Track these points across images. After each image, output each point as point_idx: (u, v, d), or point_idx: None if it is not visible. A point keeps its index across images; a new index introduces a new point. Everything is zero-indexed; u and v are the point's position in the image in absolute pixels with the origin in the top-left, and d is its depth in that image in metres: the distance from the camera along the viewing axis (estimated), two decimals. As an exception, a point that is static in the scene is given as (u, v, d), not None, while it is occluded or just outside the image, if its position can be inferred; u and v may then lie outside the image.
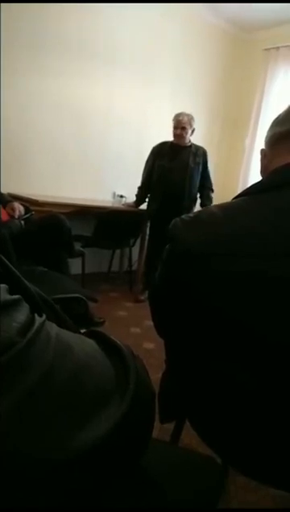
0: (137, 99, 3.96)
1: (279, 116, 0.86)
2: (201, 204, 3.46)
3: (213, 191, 3.45)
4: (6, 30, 2.96)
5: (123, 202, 3.72)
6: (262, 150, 0.90)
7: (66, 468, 0.33)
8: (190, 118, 3.18)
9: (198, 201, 3.49)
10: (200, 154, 3.30)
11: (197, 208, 3.48)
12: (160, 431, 1.34)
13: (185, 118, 3.16)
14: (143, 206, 3.57)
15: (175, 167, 3.23)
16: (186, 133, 3.19)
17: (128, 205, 3.59)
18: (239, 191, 0.83)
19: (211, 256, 0.73)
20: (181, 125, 3.16)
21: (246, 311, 0.70)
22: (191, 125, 3.20)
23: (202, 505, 0.64)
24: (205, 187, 3.41)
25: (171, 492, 0.60)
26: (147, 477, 0.57)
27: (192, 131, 3.25)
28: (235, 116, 4.90)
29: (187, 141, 3.26)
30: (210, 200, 3.42)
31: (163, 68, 4.08)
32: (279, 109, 0.88)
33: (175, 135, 3.23)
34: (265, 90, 4.50)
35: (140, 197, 3.51)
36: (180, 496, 0.61)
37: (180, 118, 3.17)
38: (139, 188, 3.50)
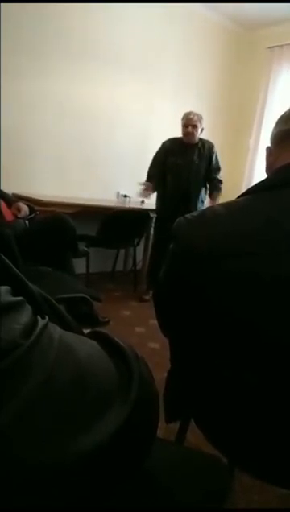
0: (140, 99, 3.96)
1: (285, 113, 0.86)
2: (209, 192, 3.40)
3: (221, 182, 3.39)
4: (9, 31, 2.97)
5: (128, 201, 3.70)
6: (267, 148, 0.90)
7: (69, 473, 0.33)
8: (200, 117, 3.20)
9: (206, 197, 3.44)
10: (206, 148, 3.29)
11: (206, 204, 3.44)
12: (166, 430, 1.33)
13: (195, 117, 3.17)
14: (148, 203, 3.56)
15: (183, 165, 3.24)
16: (196, 131, 3.20)
17: (147, 186, 3.32)
18: (243, 191, 0.82)
19: (215, 255, 0.73)
20: (192, 123, 3.16)
21: (250, 310, 0.69)
22: (201, 124, 3.21)
23: (209, 505, 0.63)
24: (213, 178, 3.37)
25: (176, 492, 0.60)
26: (152, 478, 0.57)
27: (201, 130, 3.25)
28: (238, 116, 4.88)
29: (196, 139, 3.26)
30: (218, 188, 3.37)
31: (165, 67, 4.08)
32: (284, 109, 0.87)
33: (185, 133, 3.21)
34: (269, 89, 4.47)
35: (153, 186, 3.35)
36: (186, 496, 0.61)
37: (191, 116, 3.17)
38: (150, 178, 3.34)
